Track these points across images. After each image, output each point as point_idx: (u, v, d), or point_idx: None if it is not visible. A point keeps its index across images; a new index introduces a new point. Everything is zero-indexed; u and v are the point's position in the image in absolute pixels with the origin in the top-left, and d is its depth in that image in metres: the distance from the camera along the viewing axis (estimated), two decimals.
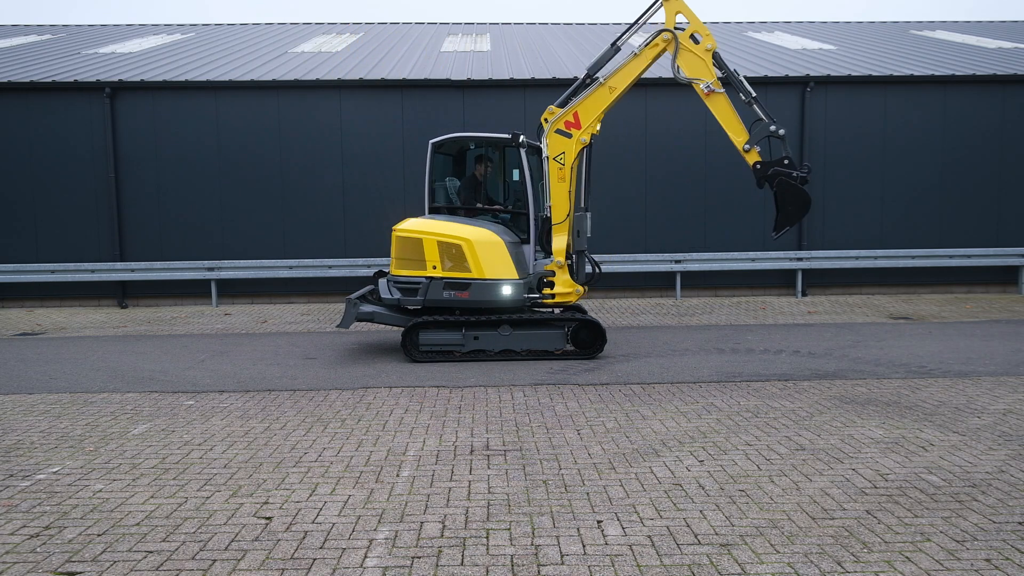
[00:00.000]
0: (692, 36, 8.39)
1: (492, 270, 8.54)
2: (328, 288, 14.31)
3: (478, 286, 8.57)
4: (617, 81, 8.62)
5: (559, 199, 8.76)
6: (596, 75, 8.71)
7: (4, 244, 14.04)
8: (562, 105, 8.75)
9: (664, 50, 8.51)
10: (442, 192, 9.49)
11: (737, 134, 8.35)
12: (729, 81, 8.31)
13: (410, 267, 8.81)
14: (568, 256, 8.95)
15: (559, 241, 8.82)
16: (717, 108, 8.40)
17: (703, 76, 8.37)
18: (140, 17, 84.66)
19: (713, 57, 8.33)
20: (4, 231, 14.06)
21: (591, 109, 8.68)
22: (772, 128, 8.12)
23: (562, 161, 8.70)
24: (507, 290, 8.56)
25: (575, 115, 8.69)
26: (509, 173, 9.30)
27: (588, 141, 8.73)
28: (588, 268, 9.04)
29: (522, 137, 8.84)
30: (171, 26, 23.22)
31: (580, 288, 8.94)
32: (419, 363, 8.66)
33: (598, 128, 8.82)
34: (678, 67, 8.45)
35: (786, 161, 8.14)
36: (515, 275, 8.57)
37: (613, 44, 8.71)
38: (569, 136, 8.71)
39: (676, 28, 8.50)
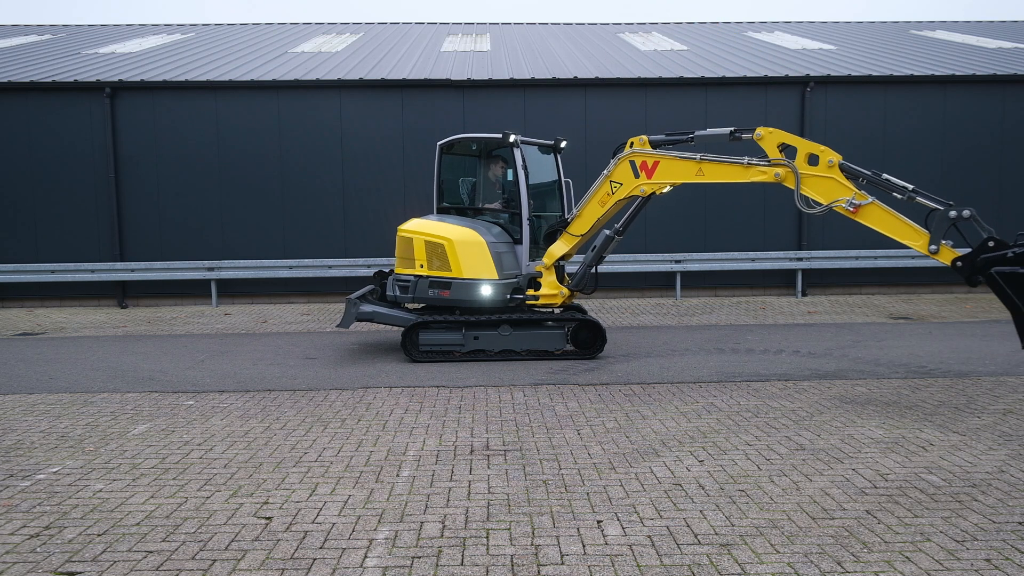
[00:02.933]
0: (809, 158, 7.26)
1: (471, 270, 8.61)
2: (328, 288, 14.31)
3: (458, 285, 8.68)
4: (710, 171, 7.89)
5: (589, 215, 8.59)
6: (694, 142, 8.06)
7: (4, 244, 14.05)
8: (655, 145, 8.23)
9: (775, 181, 7.47)
10: (451, 192, 9.56)
11: (913, 239, 6.83)
12: (874, 183, 7.03)
13: (405, 265, 9.04)
14: (564, 259, 8.90)
15: (559, 247, 8.77)
16: (874, 220, 7.02)
17: (841, 195, 7.11)
18: (140, 17, 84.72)
19: (840, 169, 7.13)
20: (4, 231, 14.06)
21: (670, 172, 8.10)
22: (952, 214, 6.56)
23: (614, 190, 8.38)
24: (486, 290, 8.62)
25: (655, 164, 8.15)
26: (505, 173, 9.29)
27: (647, 194, 8.30)
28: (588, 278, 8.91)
29: (513, 136, 8.76)
30: (171, 26, 23.22)
31: (566, 291, 8.85)
32: (419, 363, 8.66)
33: (665, 191, 8.34)
34: (806, 198, 7.28)
35: (991, 243, 6.51)
36: (495, 275, 8.60)
37: (733, 134, 7.78)
38: (636, 176, 8.22)
39: (783, 152, 7.46)
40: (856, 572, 3.62)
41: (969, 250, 6.59)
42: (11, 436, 6.00)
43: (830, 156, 7.12)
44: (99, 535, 4.11)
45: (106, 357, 9.33)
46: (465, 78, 14.21)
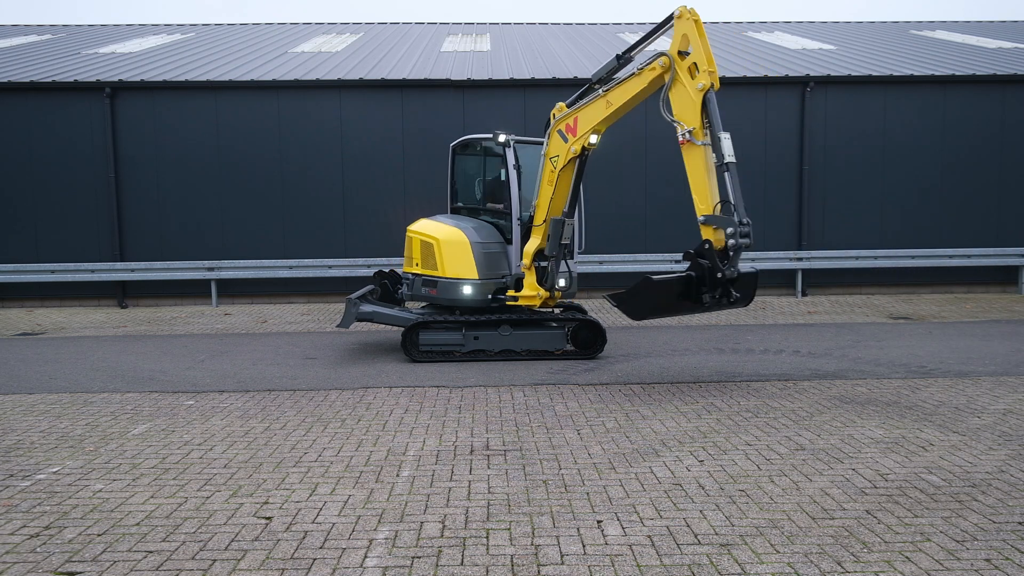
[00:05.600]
0: (693, 67, 7.01)
1: (454, 269, 8.74)
2: (328, 288, 14.31)
3: (443, 284, 8.84)
4: (614, 97, 7.74)
5: (544, 200, 8.48)
6: (597, 86, 8.03)
7: (4, 244, 14.04)
8: (570, 106, 8.26)
9: (662, 75, 7.26)
10: (464, 192, 9.68)
11: (701, 200, 6.99)
12: (709, 133, 6.94)
13: (409, 264, 9.33)
14: (543, 258, 8.67)
15: (531, 243, 8.63)
16: (691, 163, 7.05)
17: (688, 120, 6.97)
18: (140, 17, 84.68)
19: (704, 101, 6.91)
20: (4, 231, 14.06)
21: (588, 119, 8.02)
22: (729, 230, 6.72)
23: (555, 164, 8.33)
24: (467, 290, 8.71)
25: (575, 120, 8.13)
26: (499, 173, 9.30)
27: (578, 151, 8.16)
28: (563, 276, 8.65)
29: (503, 136, 8.78)
30: (171, 26, 23.22)
31: (544, 293, 8.58)
32: (419, 363, 8.66)
33: (593, 141, 8.10)
34: (668, 100, 7.17)
35: (716, 270, 6.85)
36: (475, 275, 8.67)
37: (618, 56, 7.86)
38: (565, 141, 8.21)
39: (682, 53, 7.18)
40: (856, 572, 3.62)
41: (709, 250, 6.88)
42: (11, 436, 6.00)
43: (703, 80, 6.91)
44: (99, 535, 4.11)
45: (106, 357, 9.33)
46: (465, 78, 14.21)
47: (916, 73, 14.54)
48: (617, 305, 7.06)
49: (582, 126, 8.09)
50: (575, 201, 8.59)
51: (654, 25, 7.74)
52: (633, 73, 7.59)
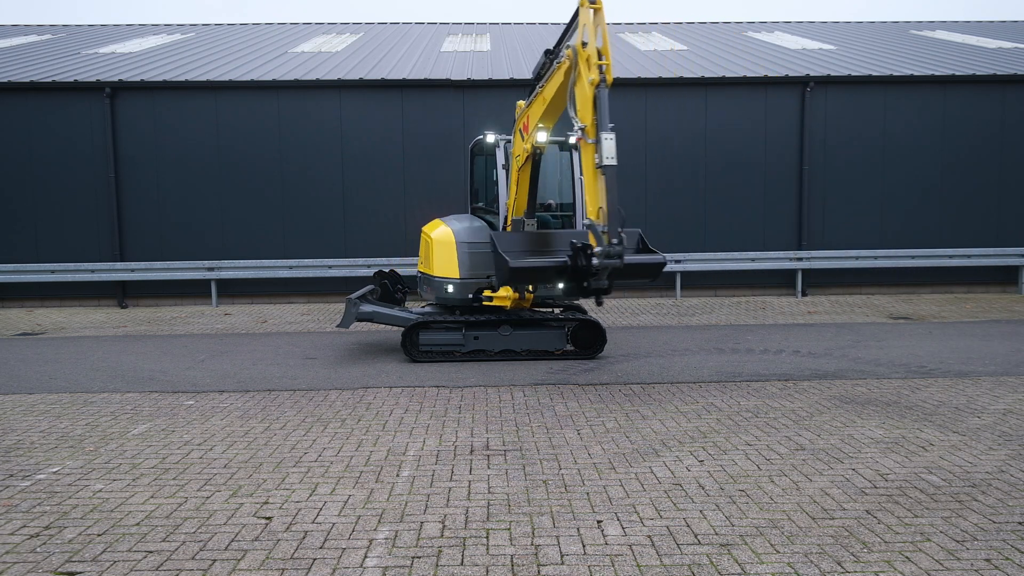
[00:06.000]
0: (589, 60, 6.55)
1: (441, 268, 8.91)
2: (328, 288, 14.31)
3: (434, 282, 9.02)
4: (547, 91, 7.46)
5: (510, 199, 8.45)
6: (537, 83, 7.83)
7: (4, 244, 14.04)
8: (527, 104, 8.13)
9: (571, 68, 6.86)
10: (480, 192, 9.75)
11: (591, 202, 6.64)
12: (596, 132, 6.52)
13: (419, 263, 9.64)
14: None
15: None
16: (583, 161, 6.75)
17: (580, 116, 6.60)
18: (140, 17, 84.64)
19: (594, 97, 6.46)
20: (4, 231, 14.05)
21: (533, 116, 7.78)
22: (598, 249, 6.44)
23: (518, 162, 8.24)
24: (449, 288, 8.88)
25: (527, 119, 7.95)
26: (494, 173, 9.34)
27: (529, 150, 7.90)
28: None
29: (491, 136, 8.89)
30: (171, 26, 23.22)
31: (513, 294, 8.49)
32: (419, 363, 8.66)
33: (540, 139, 7.75)
34: (574, 96, 6.77)
35: (578, 247, 6.68)
36: (456, 274, 8.82)
37: (547, 51, 7.53)
38: (523, 139, 8.03)
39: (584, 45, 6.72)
40: (856, 572, 3.62)
41: (598, 251, 6.56)
42: (11, 436, 6.00)
43: (592, 75, 6.44)
44: (99, 535, 4.11)
45: (106, 357, 9.33)
46: (465, 78, 14.21)
47: (916, 73, 14.54)
48: (495, 259, 7.30)
49: (531, 124, 7.94)
50: (534, 202, 8.45)
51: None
52: (555, 68, 7.30)
